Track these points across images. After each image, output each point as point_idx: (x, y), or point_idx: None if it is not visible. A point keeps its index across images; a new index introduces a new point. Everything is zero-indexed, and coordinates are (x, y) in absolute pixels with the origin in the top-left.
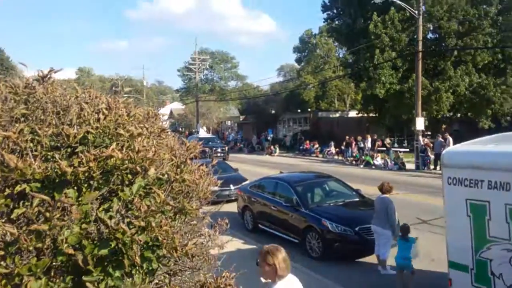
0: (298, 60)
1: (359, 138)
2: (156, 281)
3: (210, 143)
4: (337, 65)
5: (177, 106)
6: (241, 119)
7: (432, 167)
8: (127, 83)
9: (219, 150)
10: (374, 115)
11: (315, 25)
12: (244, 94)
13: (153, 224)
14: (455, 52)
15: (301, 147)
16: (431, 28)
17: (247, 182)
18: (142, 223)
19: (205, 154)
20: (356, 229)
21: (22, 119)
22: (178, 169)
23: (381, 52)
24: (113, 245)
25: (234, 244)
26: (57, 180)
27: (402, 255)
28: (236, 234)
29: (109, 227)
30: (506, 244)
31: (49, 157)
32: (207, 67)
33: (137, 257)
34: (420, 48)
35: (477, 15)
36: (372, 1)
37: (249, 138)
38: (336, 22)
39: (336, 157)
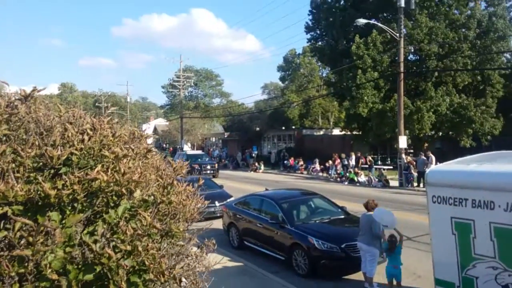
0: (282, 79)
1: (343, 155)
2: None
3: (199, 159)
4: (321, 84)
5: (161, 122)
6: (225, 136)
7: (415, 184)
8: (110, 99)
9: (208, 167)
10: (357, 133)
11: (299, 45)
12: (229, 111)
13: (140, 248)
14: (436, 73)
15: (285, 164)
16: (412, 50)
17: (232, 198)
18: (128, 247)
19: (193, 171)
20: (342, 246)
21: (4, 139)
22: (165, 191)
23: (364, 73)
24: (98, 270)
25: (219, 259)
26: (40, 203)
27: (392, 263)
28: (222, 251)
29: (94, 251)
30: (491, 262)
31: (31, 179)
32: (192, 84)
33: (123, 282)
34: (402, 69)
35: (457, 38)
36: (355, 24)
37: (234, 154)
38: (319, 43)
39: (320, 174)
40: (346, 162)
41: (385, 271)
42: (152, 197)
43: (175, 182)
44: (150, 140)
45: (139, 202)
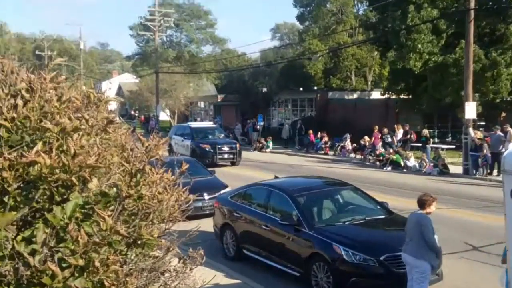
0: (301, 18)
1: (385, 129)
2: None
3: (209, 137)
4: (355, 26)
5: (128, 80)
6: (219, 100)
7: (487, 171)
8: (56, 45)
9: (225, 149)
10: (406, 97)
11: None
12: (224, 65)
13: (97, 263)
14: None
15: (303, 141)
16: None
17: (227, 190)
18: (80, 261)
19: (203, 156)
20: (381, 258)
21: None
22: (133, 180)
23: (418, 10)
24: None
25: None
26: None
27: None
28: (212, 264)
29: (32, 266)
30: None
31: None
32: (172, 25)
33: None
34: (473, 4)
35: None
36: None
37: (231, 126)
38: None
39: (352, 155)
40: (389, 139)
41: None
42: (115, 189)
43: (147, 168)
44: (112, 106)
45: (96, 196)
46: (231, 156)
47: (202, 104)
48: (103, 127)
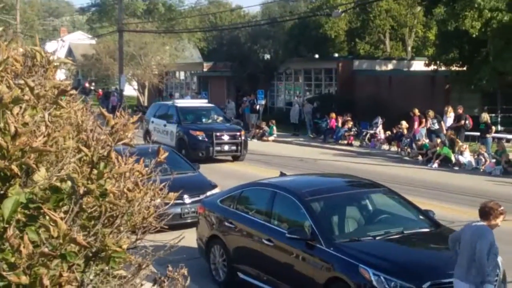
0: None
1: (431, 112)
2: None
3: (203, 120)
4: None
5: (81, 40)
6: (205, 69)
7: None
8: None
9: (225, 137)
10: (459, 69)
11: None
12: (213, 23)
13: (45, 281)
14: None
15: (319, 126)
16: None
17: (216, 190)
18: (24, 278)
19: (198, 148)
20: (425, 286)
21: None
22: (94, 171)
23: None
24: None
25: None
26: None
27: None
28: None
29: None
30: None
31: None
32: None
33: None
34: None
35: None
36: None
37: (221, 106)
38: None
39: (385, 146)
40: (435, 126)
41: None
42: (70, 182)
43: (113, 155)
44: (61, 74)
45: (45, 192)
46: (234, 147)
47: (181, 75)
48: (54, 98)
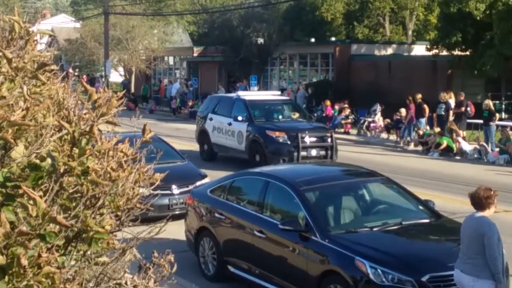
0: None
1: (444, 94)
2: None
3: (279, 117)
4: None
5: (65, 24)
6: (195, 54)
7: None
8: None
9: (313, 140)
10: (462, 53)
11: None
12: (203, 5)
13: (23, 261)
14: None
15: (315, 113)
16: None
17: (205, 180)
18: (0, 258)
19: (279, 152)
20: (424, 279)
21: None
22: (75, 149)
23: None
24: None
25: None
26: None
27: None
28: (185, 284)
29: None
30: None
31: None
32: None
33: None
34: None
35: None
36: None
37: (212, 92)
38: None
39: (384, 134)
40: (438, 113)
41: None
42: (50, 160)
43: (96, 131)
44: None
45: (23, 170)
46: (323, 152)
47: (170, 60)
48: (33, 72)
